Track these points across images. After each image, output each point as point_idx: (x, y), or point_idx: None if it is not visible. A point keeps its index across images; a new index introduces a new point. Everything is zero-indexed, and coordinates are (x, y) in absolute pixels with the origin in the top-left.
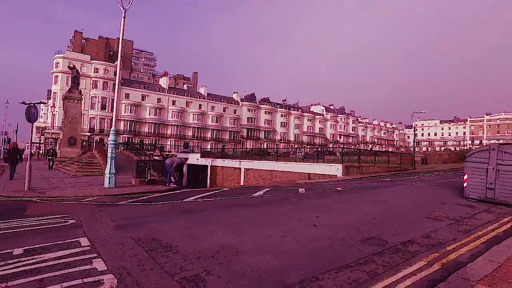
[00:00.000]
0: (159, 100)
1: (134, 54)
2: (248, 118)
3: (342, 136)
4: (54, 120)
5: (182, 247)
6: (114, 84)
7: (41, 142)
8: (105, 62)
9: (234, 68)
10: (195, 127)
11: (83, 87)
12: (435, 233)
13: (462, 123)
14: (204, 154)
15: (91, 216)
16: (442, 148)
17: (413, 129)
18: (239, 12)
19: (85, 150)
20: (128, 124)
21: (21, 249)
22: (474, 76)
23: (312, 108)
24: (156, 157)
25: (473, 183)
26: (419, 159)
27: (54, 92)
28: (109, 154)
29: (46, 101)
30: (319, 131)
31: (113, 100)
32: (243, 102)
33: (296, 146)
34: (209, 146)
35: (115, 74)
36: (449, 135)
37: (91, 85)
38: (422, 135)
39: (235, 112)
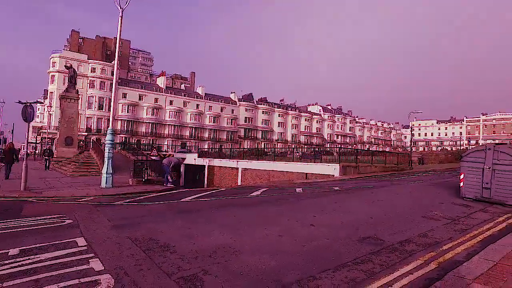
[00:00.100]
0: (156, 100)
1: (132, 54)
2: (245, 118)
3: (339, 136)
4: (51, 120)
5: (179, 247)
6: (111, 84)
7: (38, 142)
8: (102, 62)
9: (232, 68)
10: (193, 127)
11: (80, 86)
12: (431, 232)
13: (458, 123)
14: (202, 154)
15: (88, 216)
16: (439, 148)
17: (410, 129)
18: (239, 12)
19: (82, 150)
20: (125, 124)
21: (17, 249)
22: (474, 76)
23: (310, 108)
24: (153, 157)
25: (469, 183)
26: (416, 159)
27: (51, 92)
28: (106, 154)
29: (42, 101)
30: (317, 131)
31: (110, 99)
32: (241, 102)
33: (293, 146)
34: (206, 146)
35: (112, 74)
36: (446, 135)
37: (88, 84)
38: (419, 135)
39: (232, 112)
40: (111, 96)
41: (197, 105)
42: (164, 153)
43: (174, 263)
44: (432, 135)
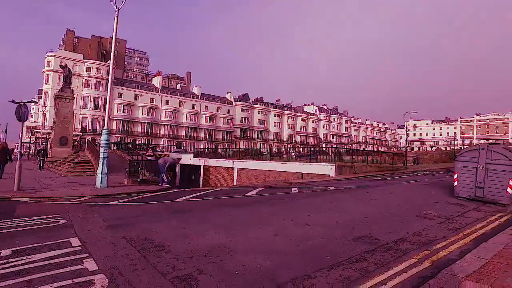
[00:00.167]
0: (152, 99)
1: (127, 54)
2: (241, 118)
3: (335, 136)
4: (45, 120)
5: (174, 246)
6: (107, 84)
7: (32, 142)
8: (97, 61)
9: (229, 67)
10: (189, 127)
11: (75, 86)
12: (426, 231)
13: (453, 123)
14: (197, 154)
15: (83, 216)
16: (434, 148)
17: (405, 129)
18: (238, 12)
19: (76, 150)
20: (121, 123)
21: (10, 250)
22: (473, 76)
23: (306, 108)
24: (149, 157)
25: (463, 182)
26: (410, 159)
27: (45, 91)
28: (101, 154)
29: (37, 101)
30: (312, 131)
31: (105, 99)
32: (237, 102)
33: (289, 146)
34: (202, 146)
35: (108, 73)
36: (440, 135)
37: (83, 84)
38: (414, 135)
39: (228, 112)
40: (107, 96)
41: (193, 105)
42: (159, 153)
43: (169, 262)
44: (427, 135)
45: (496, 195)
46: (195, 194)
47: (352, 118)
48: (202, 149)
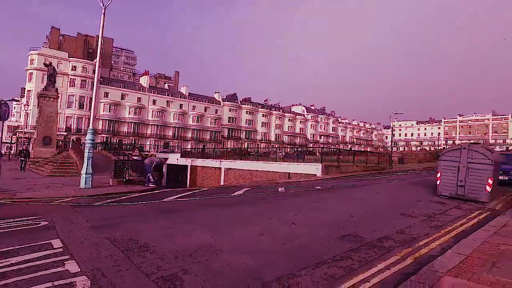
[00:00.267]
0: (139, 99)
1: (114, 52)
2: (229, 118)
3: (322, 136)
4: (28, 119)
5: (159, 246)
6: (93, 83)
7: (13, 142)
8: (83, 60)
9: (216, 67)
10: (176, 126)
11: (60, 85)
12: (409, 229)
13: (437, 124)
14: (184, 154)
15: (65, 217)
16: (418, 148)
17: (391, 129)
18: (226, 11)
19: (60, 150)
20: (107, 123)
21: None
22: (474, 76)
23: (293, 109)
24: (135, 157)
25: (445, 181)
26: (396, 159)
27: (29, 90)
28: (86, 154)
29: (19, 99)
30: (300, 131)
31: (91, 98)
32: (225, 102)
33: (276, 146)
34: (189, 146)
35: (94, 72)
36: (425, 135)
37: (69, 83)
38: (400, 135)
39: (216, 112)
40: (92, 95)
41: (181, 105)
42: (146, 153)
43: (153, 263)
44: (412, 135)
45: (476, 193)
46: (182, 194)
47: (339, 119)
48: (189, 149)
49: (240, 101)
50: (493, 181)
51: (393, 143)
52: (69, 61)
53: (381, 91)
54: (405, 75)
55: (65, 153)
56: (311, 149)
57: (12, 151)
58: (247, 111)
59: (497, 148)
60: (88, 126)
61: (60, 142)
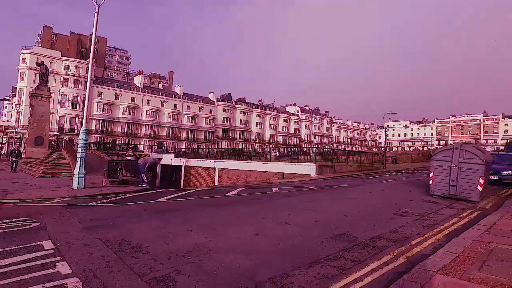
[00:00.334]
0: (133, 99)
1: (108, 52)
2: (223, 118)
3: (316, 136)
4: (19, 119)
5: (153, 247)
6: (86, 82)
7: (4, 142)
8: (76, 59)
9: (210, 67)
10: (170, 127)
11: (53, 84)
12: (402, 229)
13: (430, 124)
14: (178, 154)
15: (57, 218)
16: (412, 148)
17: (384, 130)
18: (222, 11)
19: (53, 150)
20: (100, 123)
21: None
22: (474, 76)
23: (288, 109)
24: (129, 157)
25: (437, 181)
26: (389, 159)
27: (20, 89)
28: (78, 154)
29: (10, 99)
30: (294, 131)
31: (84, 98)
32: (219, 102)
33: (271, 146)
34: (183, 146)
35: (87, 72)
36: (418, 135)
37: (61, 82)
38: (393, 135)
39: (210, 112)
40: (86, 95)
41: (175, 104)
42: (140, 153)
43: (146, 264)
44: (405, 135)
45: (468, 192)
46: (176, 195)
47: (333, 119)
48: (184, 149)
49: (235, 101)
50: (484, 180)
51: (386, 143)
52: (62, 60)
53: (381, 91)
54: (405, 75)
55: (57, 153)
56: (305, 149)
57: (3, 152)
58: (241, 111)
59: (488, 148)
60: (81, 126)
61: (53, 142)
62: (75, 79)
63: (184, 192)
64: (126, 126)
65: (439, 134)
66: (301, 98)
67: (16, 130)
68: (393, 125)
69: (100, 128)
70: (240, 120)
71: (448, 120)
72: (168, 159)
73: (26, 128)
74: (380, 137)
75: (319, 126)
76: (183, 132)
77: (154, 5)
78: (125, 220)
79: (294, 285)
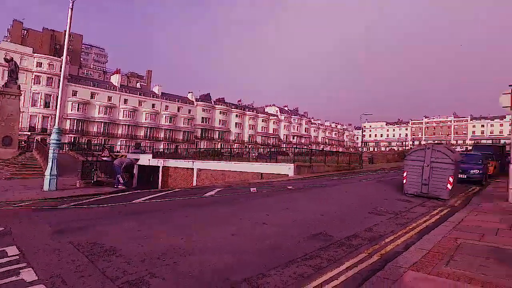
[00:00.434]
0: (110, 98)
1: (84, 49)
2: (202, 118)
3: (295, 137)
4: None
5: (126, 250)
6: (59, 80)
7: None
8: (49, 56)
9: (190, 67)
10: (148, 127)
11: (23, 82)
12: (376, 227)
13: (405, 125)
14: (156, 155)
15: (25, 222)
16: (387, 148)
17: (361, 130)
18: (201, 9)
19: (23, 150)
20: (75, 123)
21: None
22: (474, 76)
23: (267, 109)
24: (104, 158)
25: (411, 180)
26: (366, 159)
27: None
28: (50, 154)
29: None
30: (273, 132)
31: (58, 97)
32: (198, 102)
33: (250, 147)
34: (162, 147)
35: (61, 69)
36: (394, 136)
37: (33, 80)
38: (370, 136)
39: (189, 112)
40: (59, 93)
41: (153, 104)
42: (116, 153)
43: (119, 267)
44: (381, 136)
45: (439, 191)
46: (153, 196)
47: (312, 119)
48: (162, 150)
49: (214, 101)
50: (453, 179)
51: (363, 143)
52: (34, 57)
53: (359, 92)
54: (383, 75)
55: (28, 154)
56: (284, 149)
57: None
58: (220, 112)
59: (458, 148)
60: (54, 126)
61: (23, 143)
62: (48, 77)
63: (162, 193)
64: (102, 126)
65: (413, 135)
66: (281, 99)
67: None
68: (370, 126)
69: (74, 128)
70: (219, 120)
71: (421, 121)
72: (146, 159)
73: None
74: (357, 138)
75: (297, 126)
76: (161, 132)
77: (134, 2)
78: (98, 223)
79: (270, 285)
